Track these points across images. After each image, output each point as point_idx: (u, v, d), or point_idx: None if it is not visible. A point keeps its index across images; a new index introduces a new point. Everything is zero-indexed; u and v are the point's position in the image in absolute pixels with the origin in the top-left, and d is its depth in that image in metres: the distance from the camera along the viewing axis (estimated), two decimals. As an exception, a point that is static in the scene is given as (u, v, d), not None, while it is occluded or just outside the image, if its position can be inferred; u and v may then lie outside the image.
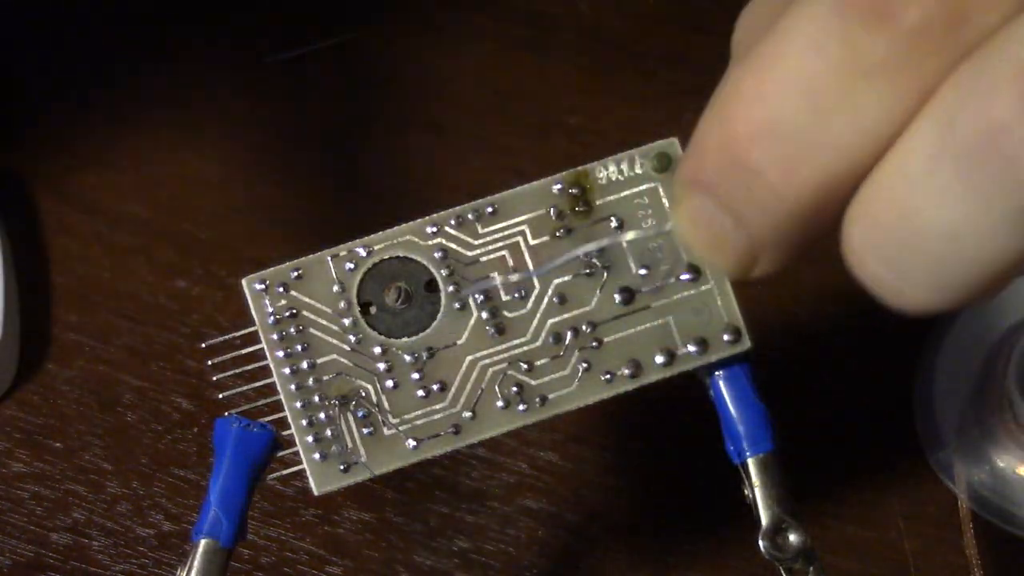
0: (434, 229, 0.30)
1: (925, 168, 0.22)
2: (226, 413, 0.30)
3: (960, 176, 0.21)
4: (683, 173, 0.23)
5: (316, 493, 0.29)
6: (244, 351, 0.30)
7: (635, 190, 0.30)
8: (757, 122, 0.22)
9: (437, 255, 0.30)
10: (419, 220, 0.30)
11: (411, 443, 0.30)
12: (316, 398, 0.30)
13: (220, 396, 0.30)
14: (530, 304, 0.30)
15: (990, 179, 0.21)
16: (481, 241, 0.30)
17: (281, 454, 0.30)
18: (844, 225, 0.23)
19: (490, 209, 0.30)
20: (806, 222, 0.23)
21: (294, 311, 0.30)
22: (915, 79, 0.22)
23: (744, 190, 0.22)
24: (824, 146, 0.22)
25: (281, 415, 0.30)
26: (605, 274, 0.30)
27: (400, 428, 0.30)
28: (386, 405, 0.30)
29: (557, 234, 0.30)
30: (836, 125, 0.22)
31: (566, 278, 0.30)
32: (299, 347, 0.30)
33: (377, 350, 0.30)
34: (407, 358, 0.30)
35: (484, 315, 0.30)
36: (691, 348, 0.30)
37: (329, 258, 0.30)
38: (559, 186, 0.30)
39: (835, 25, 0.21)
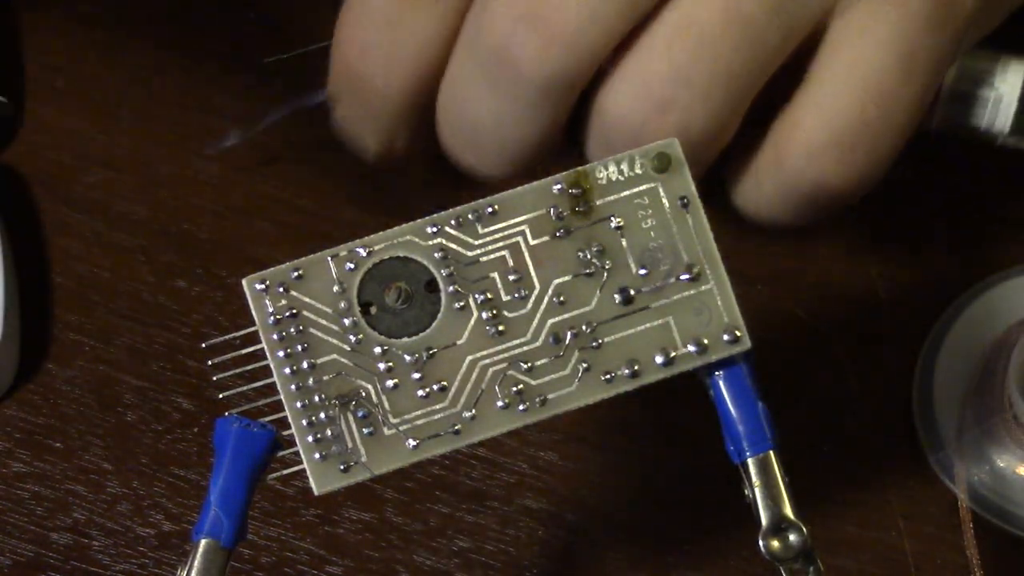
0: (434, 229, 0.30)
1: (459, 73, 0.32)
2: (226, 413, 0.30)
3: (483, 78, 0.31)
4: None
5: (316, 493, 0.29)
6: (244, 351, 0.30)
7: (635, 190, 0.30)
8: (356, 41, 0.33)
9: (437, 255, 0.30)
10: (419, 220, 0.30)
11: (411, 443, 0.30)
12: (316, 398, 0.30)
13: (220, 396, 0.30)
14: (530, 304, 0.30)
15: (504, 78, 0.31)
16: (481, 241, 0.30)
17: (281, 454, 0.30)
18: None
19: (490, 209, 0.30)
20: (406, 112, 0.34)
21: (294, 311, 0.30)
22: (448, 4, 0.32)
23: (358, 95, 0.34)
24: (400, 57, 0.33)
25: (281, 415, 0.30)
26: (605, 274, 0.30)
27: (400, 428, 0.30)
28: (386, 405, 0.30)
29: (557, 234, 0.30)
30: (403, 39, 0.33)
31: (566, 278, 0.30)
32: (299, 347, 0.30)
33: (377, 350, 0.30)
34: (407, 358, 0.30)
35: (484, 315, 0.30)
36: (691, 348, 0.30)
37: (329, 258, 0.30)
38: (559, 186, 0.30)
39: None
